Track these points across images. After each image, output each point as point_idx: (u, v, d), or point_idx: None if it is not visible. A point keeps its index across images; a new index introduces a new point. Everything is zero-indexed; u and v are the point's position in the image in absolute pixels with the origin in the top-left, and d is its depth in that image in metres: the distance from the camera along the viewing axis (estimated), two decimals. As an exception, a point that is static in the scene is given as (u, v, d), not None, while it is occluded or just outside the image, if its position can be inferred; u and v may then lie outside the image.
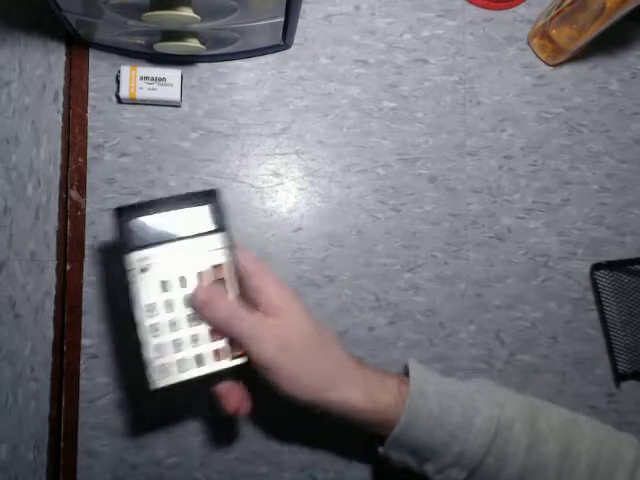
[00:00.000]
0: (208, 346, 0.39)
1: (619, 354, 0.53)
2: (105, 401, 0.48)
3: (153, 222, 0.39)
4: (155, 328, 0.38)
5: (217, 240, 0.40)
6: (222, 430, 0.49)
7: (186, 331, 0.39)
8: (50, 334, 0.48)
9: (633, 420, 0.53)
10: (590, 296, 0.54)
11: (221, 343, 0.39)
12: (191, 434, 0.48)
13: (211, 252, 0.39)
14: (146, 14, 0.42)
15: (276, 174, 0.52)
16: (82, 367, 0.48)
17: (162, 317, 0.38)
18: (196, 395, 0.48)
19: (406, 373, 0.42)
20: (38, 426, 0.47)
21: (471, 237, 0.53)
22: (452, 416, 0.39)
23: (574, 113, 0.56)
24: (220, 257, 0.40)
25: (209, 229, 0.40)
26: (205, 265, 0.39)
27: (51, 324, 0.48)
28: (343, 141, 0.53)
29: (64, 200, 0.49)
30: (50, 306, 0.48)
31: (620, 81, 0.57)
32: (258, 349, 0.37)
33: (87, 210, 0.49)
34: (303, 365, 0.38)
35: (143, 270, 0.38)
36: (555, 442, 0.40)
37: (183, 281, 0.39)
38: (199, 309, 0.38)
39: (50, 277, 0.48)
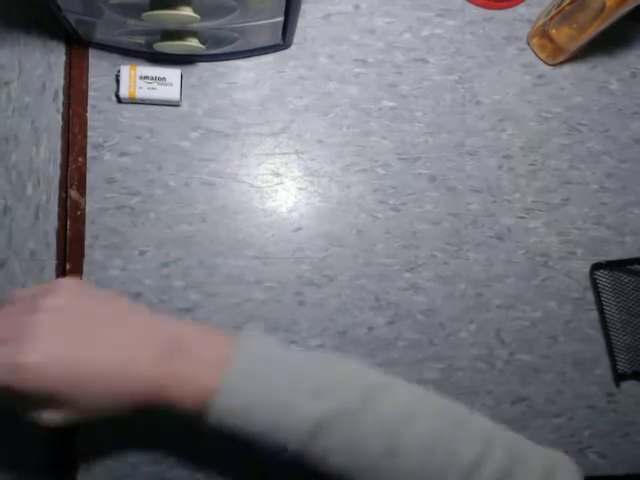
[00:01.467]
0: None
1: (619, 354, 0.53)
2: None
3: None
4: None
5: None
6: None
7: None
8: (50, 334, 0.48)
9: (633, 420, 0.53)
10: (590, 296, 0.54)
11: None
12: (191, 434, 0.48)
13: None
14: (146, 14, 0.42)
15: (276, 174, 0.52)
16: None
17: None
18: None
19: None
20: (38, 426, 0.47)
21: (471, 237, 0.53)
22: (263, 414, 0.36)
23: (574, 113, 0.56)
24: None
25: None
26: None
27: (51, 324, 0.48)
28: (343, 140, 0.53)
29: (64, 200, 0.49)
30: (50, 306, 0.48)
31: (620, 81, 0.57)
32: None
33: (87, 210, 0.49)
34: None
35: None
36: (382, 437, 0.37)
37: None
38: None
39: (50, 277, 0.48)
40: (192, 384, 0.36)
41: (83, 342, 0.34)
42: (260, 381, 0.37)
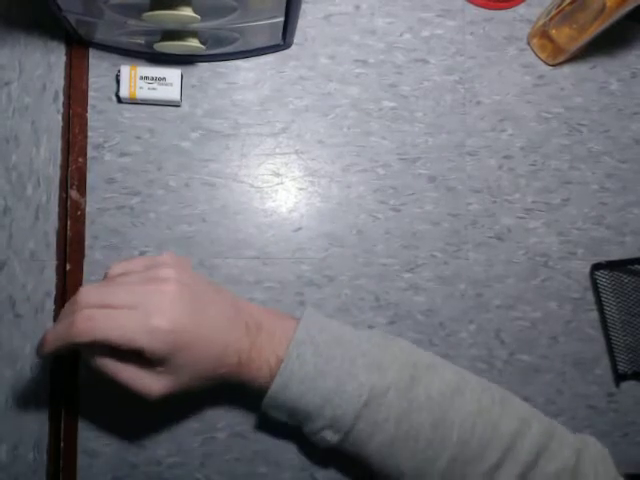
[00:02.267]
0: None
1: (619, 354, 0.53)
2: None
3: None
4: None
5: None
6: (222, 430, 0.49)
7: None
8: (50, 334, 0.48)
9: (633, 420, 0.53)
10: (590, 296, 0.54)
11: None
12: (191, 434, 0.48)
13: None
14: (146, 14, 0.42)
15: (276, 174, 0.52)
16: (82, 367, 0.48)
17: None
18: (196, 394, 0.48)
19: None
20: (38, 426, 0.47)
21: (471, 237, 0.53)
22: (326, 380, 0.40)
23: (574, 113, 0.56)
24: None
25: None
26: None
27: (51, 324, 0.48)
28: (343, 141, 0.53)
29: (64, 200, 0.49)
30: (50, 306, 0.48)
31: (620, 81, 0.57)
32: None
33: (87, 210, 0.49)
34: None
35: None
36: (429, 412, 0.40)
37: None
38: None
39: (50, 277, 0.48)
40: (268, 357, 0.40)
41: (199, 312, 0.38)
42: (322, 351, 0.41)
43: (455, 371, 0.44)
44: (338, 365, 0.40)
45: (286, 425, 0.49)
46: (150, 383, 0.38)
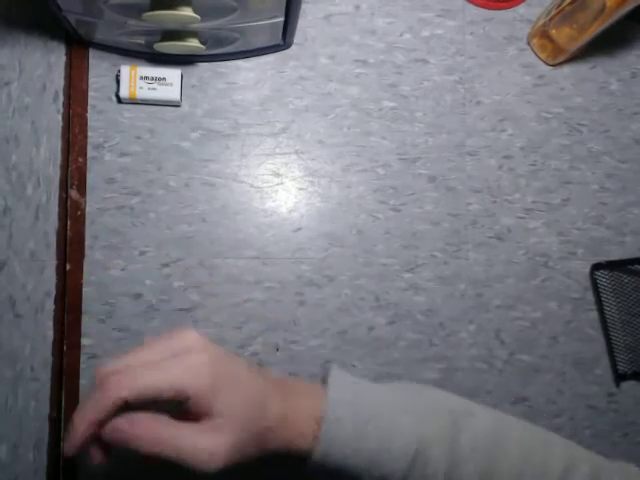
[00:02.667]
0: None
1: (619, 354, 0.53)
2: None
3: None
4: None
5: None
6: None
7: None
8: (50, 334, 0.48)
9: (633, 420, 0.53)
10: (590, 296, 0.54)
11: None
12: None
13: None
14: (146, 14, 0.42)
15: (276, 174, 0.52)
16: (82, 367, 0.48)
17: None
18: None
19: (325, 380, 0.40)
20: (38, 426, 0.47)
21: (471, 237, 0.53)
22: (369, 442, 0.38)
23: (574, 113, 0.56)
24: None
25: None
26: None
27: (51, 324, 0.48)
28: (343, 141, 0.53)
29: (64, 200, 0.49)
30: (50, 306, 0.48)
31: (620, 81, 0.57)
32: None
33: (87, 210, 0.49)
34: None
35: None
36: (476, 463, 0.39)
37: None
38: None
39: (50, 277, 0.48)
40: (304, 418, 0.37)
41: (232, 364, 0.36)
42: (361, 409, 0.38)
43: (493, 415, 0.42)
44: (378, 425, 0.38)
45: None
46: (207, 444, 0.33)
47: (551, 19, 0.53)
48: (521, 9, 0.56)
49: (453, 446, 0.39)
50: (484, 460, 0.39)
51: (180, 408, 0.33)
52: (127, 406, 0.32)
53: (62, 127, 0.50)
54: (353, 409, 0.38)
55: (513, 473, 0.39)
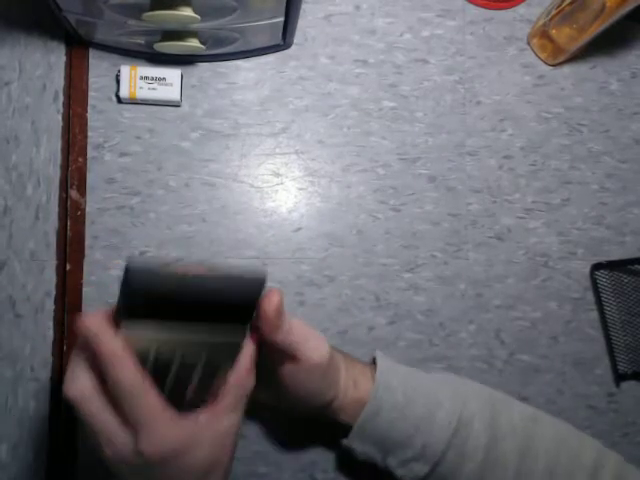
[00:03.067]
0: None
1: (619, 354, 0.53)
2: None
3: (171, 292, 0.30)
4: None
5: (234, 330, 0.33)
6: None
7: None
8: (50, 334, 0.48)
9: (633, 420, 0.53)
10: (590, 296, 0.54)
11: None
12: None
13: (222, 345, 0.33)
14: (146, 14, 0.42)
15: (276, 174, 0.52)
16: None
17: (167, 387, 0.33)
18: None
19: (373, 363, 0.43)
20: (38, 426, 0.47)
21: (471, 237, 0.53)
22: (416, 408, 0.40)
23: (574, 113, 0.56)
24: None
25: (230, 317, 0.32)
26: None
27: (51, 324, 0.48)
28: (343, 141, 0.53)
29: (64, 200, 0.49)
30: (50, 306, 0.48)
31: (620, 81, 0.57)
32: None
33: (87, 210, 0.49)
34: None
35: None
36: (514, 440, 0.40)
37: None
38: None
39: (50, 277, 0.48)
40: (358, 388, 0.41)
41: None
42: (407, 381, 0.41)
43: (524, 404, 0.44)
44: (425, 394, 0.41)
45: (286, 425, 0.49)
46: (317, 338, 0.38)
47: (551, 19, 0.53)
48: (521, 9, 0.56)
49: (493, 423, 0.41)
50: (522, 439, 0.41)
51: None
52: None
53: (62, 127, 0.50)
54: (402, 379, 0.42)
55: (550, 456, 0.40)
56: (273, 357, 0.38)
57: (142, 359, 0.31)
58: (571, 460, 0.40)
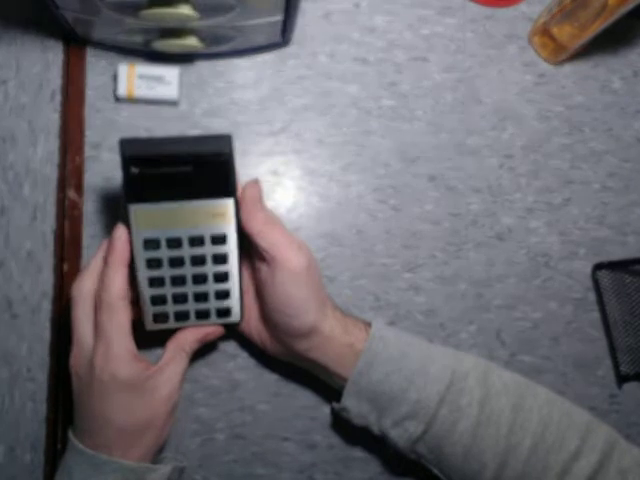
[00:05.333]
0: (210, 304, 0.42)
1: (621, 355, 0.52)
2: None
3: (162, 174, 0.38)
4: (158, 281, 0.41)
5: (224, 204, 0.40)
6: (221, 431, 0.48)
7: (190, 288, 0.42)
8: (47, 334, 0.48)
9: (635, 421, 0.52)
10: (592, 296, 0.53)
11: (223, 303, 0.43)
12: (190, 435, 0.48)
13: (217, 216, 0.40)
14: (144, 12, 0.42)
15: (275, 173, 0.52)
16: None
17: (166, 272, 0.41)
18: (195, 396, 0.48)
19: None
20: (35, 427, 0.47)
21: (471, 237, 0.53)
22: (410, 362, 0.41)
23: (575, 112, 0.55)
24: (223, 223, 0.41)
25: (220, 191, 0.40)
26: (213, 227, 0.41)
27: (48, 324, 0.48)
28: (342, 140, 0.53)
29: (61, 199, 0.49)
30: (47, 306, 0.48)
31: (622, 79, 0.56)
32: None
33: (84, 210, 0.49)
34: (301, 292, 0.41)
35: (149, 224, 0.39)
36: (508, 397, 0.41)
37: (192, 241, 0.40)
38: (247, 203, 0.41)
39: (47, 277, 0.48)
40: (348, 342, 0.42)
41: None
42: (401, 337, 0.43)
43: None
44: (419, 349, 0.42)
45: (285, 426, 0.49)
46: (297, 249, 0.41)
47: (552, 17, 0.53)
48: (522, 7, 0.56)
49: (486, 381, 0.41)
50: (515, 397, 0.41)
51: None
52: None
53: (59, 126, 0.50)
54: (396, 335, 0.43)
55: (543, 412, 0.41)
56: (255, 267, 0.42)
57: (154, 244, 0.40)
58: (564, 418, 0.41)
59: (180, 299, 0.42)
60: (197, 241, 0.40)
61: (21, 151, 0.49)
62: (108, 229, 0.49)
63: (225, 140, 0.39)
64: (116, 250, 0.39)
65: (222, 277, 0.42)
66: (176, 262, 0.41)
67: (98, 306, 0.38)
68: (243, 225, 0.41)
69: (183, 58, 0.51)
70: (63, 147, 0.50)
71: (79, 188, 0.49)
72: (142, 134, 0.50)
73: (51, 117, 0.50)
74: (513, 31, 0.55)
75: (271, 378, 0.49)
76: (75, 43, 0.50)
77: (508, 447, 0.40)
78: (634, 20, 0.56)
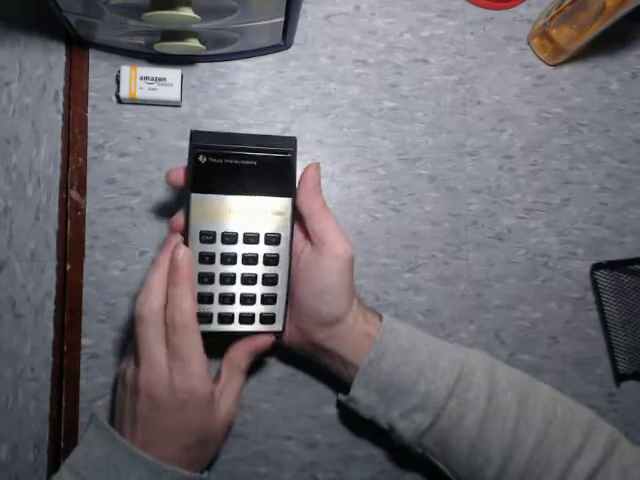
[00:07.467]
0: (255, 308, 0.42)
1: (619, 354, 0.53)
2: (105, 401, 0.48)
3: (227, 167, 0.40)
4: (208, 278, 0.41)
5: (282, 204, 0.41)
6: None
7: (238, 288, 0.41)
8: (50, 334, 0.48)
9: (634, 420, 0.53)
10: (590, 296, 0.54)
11: (268, 309, 0.42)
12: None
13: (274, 215, 0.41)
14: (146, 14, 0.42)
15: (276, 174, 0.52)
16: (82, 367, 0.48)
17: (217, 268, 0.41)
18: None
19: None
20: (38, 426, 0.47)
21: (471, 237, 0.53)
22: (419, 354, 0.42)
23: (574, 113, 0.56)
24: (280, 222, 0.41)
25: (280, 190, 0.41)
26: (269, 226, 0.41)
27: (51, 324, 0.48)
28: (343, 141, 0.53)
29: (64, 200, 0.49)
30: (50, 306, 0.48)
31: (620, 81, 0.56)
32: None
33: (87, 210, 0.49)
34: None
35: (207, 216, 0.40)
36: (513, 392, 0.42)
37: (247, 238, 0.41)
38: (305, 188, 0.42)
39: (50, 277, 0.48)
40: (361, 332, 0.42)
41: None
42: (411, 331, 0.44)
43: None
44: (428, 343, 0.43)
45: (287, 426, 0.49)
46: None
47: (551, 19, 0.53)
48: (521, 9, 0.56)
49: (493, 376, 0.42)
50: (520, 393, 0.42)
51: None
52: None
53: (62, 127, 0.50)
54: (407, 328, 0.44)
55: (547, 408, 0.41)
56: (299, 249, 0.42)
57: (209, 236, 0.40)
58: (567, 415, 0.42)
59: (227, 300, 0.41)
60: (252, 239, 0.41)
61: (24, 152, 0.49)
62: (111, 230, 0.49)
63: (291, 141, 0.40)
64: (183, 269, 0.39)
65: (271, 280, 0.42)
66: (228, 259, 0.41)
67: (171, 327, 0.38)
68: (299, 205, 0.42)
69: (185, 60, 0.51)
70: (66, 148, 0.50)
71: (82, 189, 0.50)
72: (144, 135, 0.51)
73: (54, 118, 0.50)
74: (512, 33, 0.56)
75: (272, 377, 0.49)
76: (78, 45, 0.51)
77: (513, 442, 0.40)
78: (632, 22, 0.56)
